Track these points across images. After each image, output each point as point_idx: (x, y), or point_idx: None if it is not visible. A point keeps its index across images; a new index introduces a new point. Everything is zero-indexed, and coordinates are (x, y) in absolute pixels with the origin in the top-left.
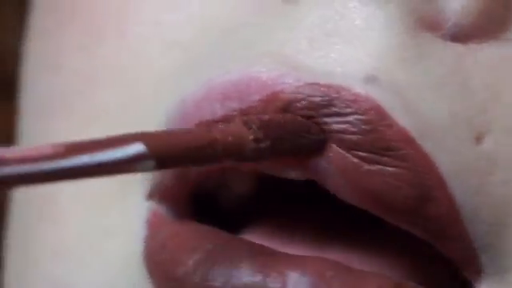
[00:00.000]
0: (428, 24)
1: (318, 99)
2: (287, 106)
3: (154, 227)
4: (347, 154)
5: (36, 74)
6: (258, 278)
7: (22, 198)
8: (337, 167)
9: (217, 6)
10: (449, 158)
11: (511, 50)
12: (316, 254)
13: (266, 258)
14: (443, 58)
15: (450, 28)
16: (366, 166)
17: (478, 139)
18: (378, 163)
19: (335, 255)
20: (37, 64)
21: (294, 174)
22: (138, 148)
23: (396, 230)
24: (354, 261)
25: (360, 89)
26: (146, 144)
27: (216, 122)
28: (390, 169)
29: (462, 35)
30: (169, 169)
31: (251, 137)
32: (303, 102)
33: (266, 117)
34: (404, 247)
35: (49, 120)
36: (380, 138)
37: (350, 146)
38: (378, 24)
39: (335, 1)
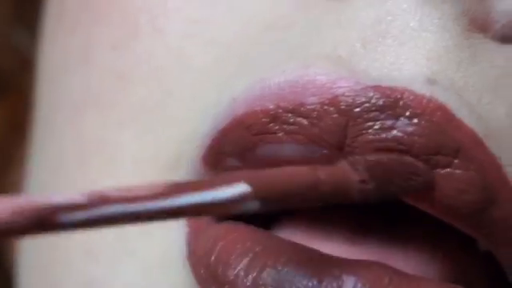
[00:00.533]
0: (480, 25)
1: (381, 102)
2: (348, 110)
3: (196, 228)
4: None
5: (66, 69)
6: (312, 283)
7: None
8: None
9: (257, 2)
10: (510, 159)
11: None
12: (354, 252)
13: (320, 262)
14: (496, 60)
15: (500, 29)
16: (434, 171)
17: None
18: (448, 166)
19: (376, 253)
20: (67, 59)
21: None
22: (243, 188)
23: (427, 226)
24: (391, 257)
25: (423, 91)
26: (251, 184)
27: (321, 161)
28: (457, 172)
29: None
30: (273, 209)
31: (357, 178)
32: (366, 105)
33: (373, 157)
34: (438, 243)
35: (80, 118)
36: (450, 139)
37: (419, 152)
38: (434, 25)
39: (387, 1)
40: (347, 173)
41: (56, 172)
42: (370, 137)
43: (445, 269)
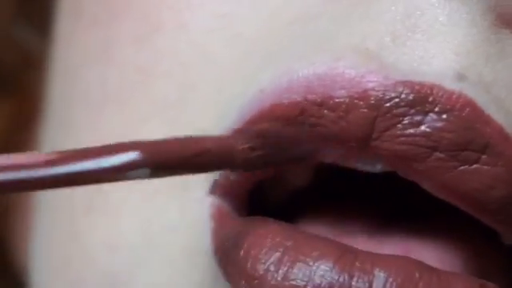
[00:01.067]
0: (506, 20)
1: (411, 97)
2: (378, 104)
3: (222, 223)
4: (442, 156)
5: (85, 65)
6: (342, 278)
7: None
8: (432, 170)
9: None
10: None
11: None
12: (376, 245)
13: (350, 257)
14: None
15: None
16: (463, 167)
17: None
18: (476, 162)
19: (402, 247)
20: (86, 54)
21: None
22: (132, 156)
23: (450, 219)
24: (423, 253)
25: (453, 86)
26: (141, 152)
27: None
28: (486, 167)
29: None
30: (162, 177)
31: (242, 147)
32: (396, 100)
33: (257, 126)
34: (461, 237)
35: (99, 114)
36: (478, 135)
37: (448, 147)
38: (462, 20)
39: None
40: (233, 142)
41: None
42: (398, 132)
43: (469, 262)
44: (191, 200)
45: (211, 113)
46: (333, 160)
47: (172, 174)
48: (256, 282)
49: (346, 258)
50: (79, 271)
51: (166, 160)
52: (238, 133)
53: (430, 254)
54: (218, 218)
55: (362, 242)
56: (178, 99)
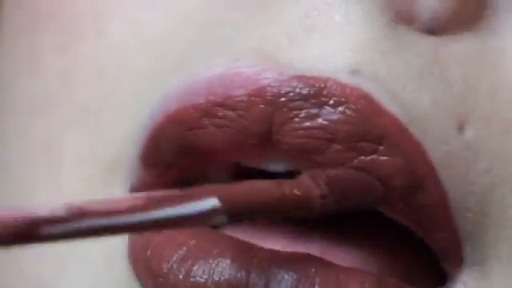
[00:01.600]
0: (404, 17)
1: (305, 91)
2: (274, 100)
3: None
4: (340, 147)
5: (13, 75)
6: (240, 274)
7: None
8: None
9: (193, 2)
10: (436, 146)
11: (485, 42)
12: (298, 248)
13: (248, 254)
14: (420, 50)
15: (425, 21)
16: (361, 157)
17: (461, 128)
18: (373, 152)
19: (316, 249)
20: (13, 64)
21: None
22: (212, 203)
23: (373, 224)
24: (336, 254)
25: (347, 80)
26: (220, 199)
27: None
28: (383, 158)
29: (437, 28)
30: (240, 222)
31: (318, 192)
32: (291, 95)
33: (333, 172)
34: (382, 241)
35: (27, 121)
36: (374, 126)
37: (345, 139)
38: (358, 18)
39: None
40: (309, 188)
41: (3, 174)
42: (296, 125)
43: (383, 263)
44: None
45: (128, 119)
46: (237, 160)
47: (250, 220)
48: (160, 279)
49: (244, 254)
50: (11, 280)
51: (243, 208)
52: (311, 178)
53: (346, 256)
54: None
55: (281, 244)
56: (96, 105)
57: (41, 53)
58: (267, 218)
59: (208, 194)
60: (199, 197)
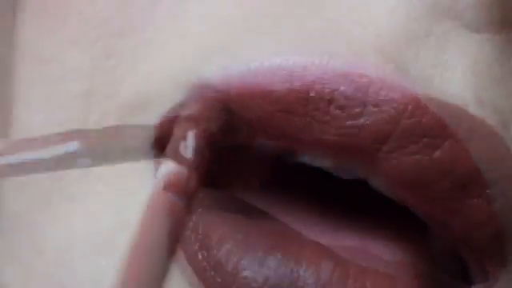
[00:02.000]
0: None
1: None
2: (330, 100)
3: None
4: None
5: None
6: (290, 268)
7: None
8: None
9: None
10: (478, 145)
11: None
12: (333, 239)
13: (299, 247)
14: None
15: (470, 18)
16: (403, 158)
17: (506, 126)
18: (416, 153)
19: (351, 240)
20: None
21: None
22: (75, 146)
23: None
24: (376, 248)
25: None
26: (81, 142)
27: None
28: (427, 158)
29: (480, 26)
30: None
31: (188, 133)
32: (335, 93)
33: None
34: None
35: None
36: (417, 124)
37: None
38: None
39: None
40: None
41: None
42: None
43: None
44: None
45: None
46: (300, 151)
47: (111, 163)
48: (208, 273)
49: (293, 247)
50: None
51: (105, 150)
52: (187, 120)
53: (387, 248)
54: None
55: (322, 235)
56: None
57: None
58: (132, 161)
59: (68, 138)
60: (63, 140)
